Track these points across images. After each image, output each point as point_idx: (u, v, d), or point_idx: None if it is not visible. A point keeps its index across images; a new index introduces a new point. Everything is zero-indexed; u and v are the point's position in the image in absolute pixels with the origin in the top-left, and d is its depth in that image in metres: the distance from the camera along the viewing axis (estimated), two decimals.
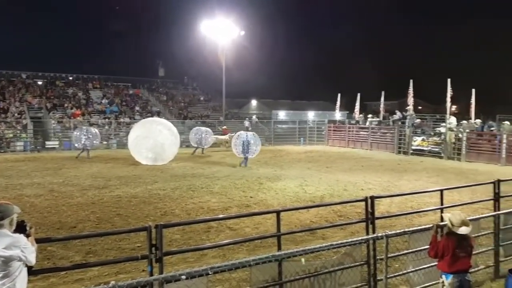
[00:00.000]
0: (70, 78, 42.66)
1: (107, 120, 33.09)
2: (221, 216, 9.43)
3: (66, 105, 35.03)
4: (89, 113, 34.24)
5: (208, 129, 25.92)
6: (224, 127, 32.01)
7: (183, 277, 3.51)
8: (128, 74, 46.15)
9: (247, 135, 19.16)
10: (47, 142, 28.10)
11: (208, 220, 7.89)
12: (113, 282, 3.18)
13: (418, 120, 27.00)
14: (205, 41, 35.75)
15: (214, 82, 41.82)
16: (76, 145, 23.16)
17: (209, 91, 47.73)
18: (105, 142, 29.40)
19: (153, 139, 18.69)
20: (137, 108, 38.08)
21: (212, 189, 13.07)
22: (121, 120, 33.57)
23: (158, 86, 46.59)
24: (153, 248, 3.95)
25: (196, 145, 24.66)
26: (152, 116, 35.88)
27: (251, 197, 11.99)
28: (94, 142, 23.07)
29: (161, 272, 3.92)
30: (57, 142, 28.22)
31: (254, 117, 39.54)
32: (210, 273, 3.62)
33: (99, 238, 7.69)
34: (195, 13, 35.89)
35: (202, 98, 46.15)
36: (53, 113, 33.15)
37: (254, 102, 58.78)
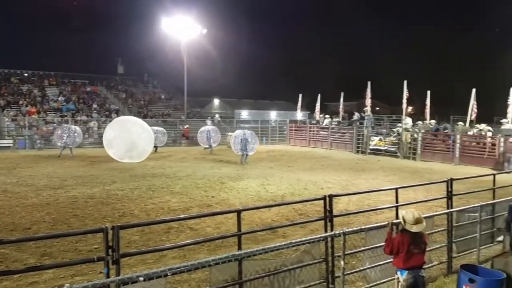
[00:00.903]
0: (26, 74, 40.92)
1: (63, 118, 31.94)
2: (181, 216, 9.31)
3: (20, 102, 33.61)
4: (44, 111, 32.97)
5: (215, 127, 26.79)
6: (186, 126, 31.71)
7: (141, 278, 3.44)
8: (86, 71, 44.76)
9: (245, 134, 20.14)
10: (0, 141, 26.85)
11: (168, 220, 7.76)
12: (67, 285, 3.08)
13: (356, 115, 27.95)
14: (166, 39, 35.33)
15: (176, 81, 41.40)
16: (58, 143, 22.83)
17: (171, 89, 47.08)
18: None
19: (128, 137, 18.91)
20: (94, 106, 37.03)
21: (172, 189, 12.91)
22: (78, 118, 32.49)
23: (117, 83, 45.48)
24: (110, 250, 3.86)
25: (206, 145, 25.25)
26: (110, 114, 35.05)
27: (212, 196, 11.93)
28: (76, 140, 22.81)
29: (118, 274, 3.82)
30: (11, 141, 27.00)
31: (216, 116, 39.40)
32: (168, 274, 3.57)
33: (55, 239, 7.47)
34: (156, 10, 35.31)
35: (163, 97, 45.46)
36: (7, 110, 31.74)
37: (216, 101, 58.54)
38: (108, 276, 3.76)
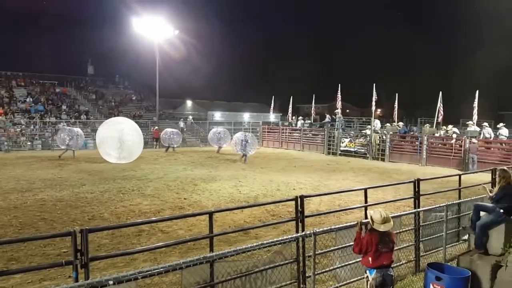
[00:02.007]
0: None
1: (32, 120, 31.02)
2: (153, 218, 9.19)
3: None
4: (12, 112, 31.90)
5: (224, 129, 27.79)
6: (155, 128, 31.34)
7: (110, 282, 3.39)
8: (55, 71, 43.56)
9: (245, 136, 21.88)
10: None
11: (138, 223, 7.67)
12: None
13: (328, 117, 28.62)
14: (138, 39, 34.88)
15: (148, 81, 40.78)
16: (61, 146, 22.86)
17: (142, 90, 46.39)
18: (29, 143, 27.67)
19: (119, 138, 19.31)
20: (64, 107, 36.10)
21: (144, 192, 12.74)
22: (47, 119, 31.63)
23: (87, 84, 44.45)
24: (79, 254, 3.80)
25: (217, 145, 26.33)
26: (79, 115, 34.28)
27: (185, 198, 11.85)
28: (78, 142, 22.83)
29: (87, 278, 3.76)
30: None
31: (189, 117, 39.13)
32: (139, 277, 3.53)
33: (22, 244, 7.28)
34: (127, 11, 34.73)
35: (134, 98, 44.75)
36: None
37: (189, 103, 58.11)
38: (77, 280, 3.71)
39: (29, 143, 27.80)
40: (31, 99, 35.30)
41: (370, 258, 4.75)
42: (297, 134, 29.91)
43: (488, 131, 20.14)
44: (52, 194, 12.12)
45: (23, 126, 29.68)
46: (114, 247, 7.45)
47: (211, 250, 4.72)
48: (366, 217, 5.30)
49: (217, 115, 55.41)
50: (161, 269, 3.72)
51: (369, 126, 25.26)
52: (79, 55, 52.41)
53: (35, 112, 32.99)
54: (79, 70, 48.04)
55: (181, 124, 34.54)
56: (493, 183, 6.81)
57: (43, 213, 9.94)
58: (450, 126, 22.59)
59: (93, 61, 49.45)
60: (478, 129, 20.63)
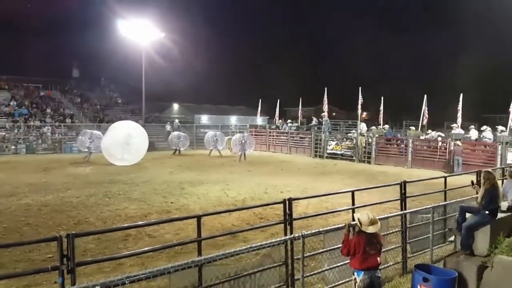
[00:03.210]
0: None
1: (16, 123, 30.52)
2: (139, 223, 9.11)
3: None
4: None
5: (221, 133, 28.52)
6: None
7: (97, 287, 3.36)
8: (40, 74, 42.89)
9: (243, 137, 24.74)
10: None
11: (125, 228, 7.59)
12: None
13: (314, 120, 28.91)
14: (124, 42, 34.57)
15: (134, 85, 40.37)
16: (81, 149, 23.49)
17: (128, 93, 45.99)
18: (13, 147, 27.21)
19: (123, 141, 20.15)
20: (48, 110, 35.61)
21: (130, 196, 12.62)
22: (31, 123, 31.14)
23: (72, 87, 43.94)
24: (65, 259, 3.74)
25: (210, 148, 26.84)
26: (64, 119, 33.86)
27: (172, 202, 11.77)
28: (98, 144, 22.56)
29: (73, 284, 3.71)
30: None
31: (176, 121, 38.89)
32: (126, 282, 3.50)
33: (6, 249, 7.13)
34: (113, 13, 34.36)
35: (120, 101, 44.38)
36: None
37: (176, 106, 57.83)
38: (63, 286, 3.67)
39: (13, 147, 27.32)
40: (15, 103, 34.75)
41: (358, 260, 4.78)
42: (284, 137, 29.97)
43: (488, 135, 20.24)
44: (37, 199, 11.94)
45: (7, 130, 29.19)
46: (101, 252, 7.37)
47: (199, 254, 4.69)
48: (353, 219, 5.32)
49: (204, 119, 55.26)
50: (149, 274, 3.69)
51: (354, 130, 25.49)
52: (64, 58, 51.62)
53: (19, 116, 32.49)
54: (64, 73, 47.42)
55: (168, 127, 34.27)
56: (479, 184, 6.91)
57: (28, 218, 9.79)
58: (429, 131, 23.08)
59: (78, 64, 49.00)
60: (462, 131, 20.96)
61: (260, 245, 4.69)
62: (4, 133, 28.46)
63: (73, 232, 3.84)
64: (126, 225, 8.23)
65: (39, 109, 35.55)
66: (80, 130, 32.11)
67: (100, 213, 10.41)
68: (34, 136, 29.05)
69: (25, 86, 39.87)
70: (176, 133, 28.50)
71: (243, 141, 24.21)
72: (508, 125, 19.81)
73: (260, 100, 34.81)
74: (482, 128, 21.16)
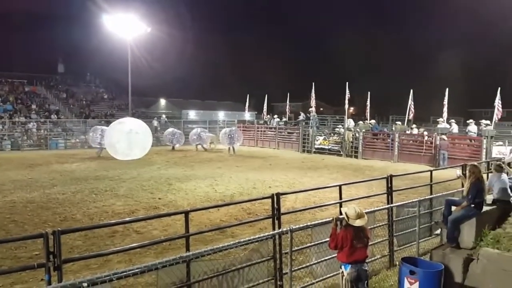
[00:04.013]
0: None
1: (0, 119, 30.00)
2: (126, 219, 9.04)
3: None
4: None
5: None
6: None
7: (84, 284, 3.32)
8: (24, 70, 42.17)
9: (231, 131, 25.71)
10: None
11: (112, 224, 7.53)
12: None
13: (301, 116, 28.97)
14: (109, 37, 34.10)
15: (120, 80, 39.96)
16: (93, 145, 23.59)
17: (114, 89, 45.53)
18: None
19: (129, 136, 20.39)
20: (33, 106, 35.05)
21: (117, 192, 12.52)
22: (16, 119, 30.65)
23: (57, 83, 43.32)
24: (51, 256, 3.70)
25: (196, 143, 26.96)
26: (49, 115, 33.39)
27: (159, 198, 11.71)
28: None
29: (60, 281, 3.67)
30: None
31: (163, 116, 38.61)
32: (113, 279, 3.48)
33: None
34: (98, 8, 33.87)
35: (106, 96, 43.90)
36: None
37: (163, 102, 57.40)
38: (49, 283, 3.61)
39: None
40: None
41: (345, 254, 4.81)
42: (272, 133, 30.02)
43: (473, 129, 20.55)
44: (22, 196, 11.78)
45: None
46: (88, 248, 7.30)
47: (187, 249, 4.67)
48: (341, 214, 5.36)
49: (192, 114, 54.97)
50: (137, 270, 3.67)
51: (340, 125, 25.62)
52: (49, 53, 50.75)
53: (4, 112, 31.95)
54: (49, 69, 46.67)
55: (155, 123, 33.99)
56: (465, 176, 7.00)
57: (13, 215, 9.68)
58: (414, 126, 23.41)
59: (63, 59, 48.29)
60: (448, 126, 21.21)
61: (249, 240, 4.70)
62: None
63: (59, 228, 3.78)
64: (113, 221, 8.17)
65: (24, 105, 35.00)
66: (65, 126, 31.85)
67: (86, 209, 10.31)
68: (19, 132, 28.60)
69: (10, 81, 39.14)
70: (171, 129, 28.48)
71: (231, 135, 25.05)
72: (493, 119, 20.11)
73: (248, 95, 34.81)
74: (467, 122, 21.47)
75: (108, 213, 10.02)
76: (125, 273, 3.56)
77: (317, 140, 26.01)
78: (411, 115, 24.43)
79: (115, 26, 31.99)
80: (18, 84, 39.39)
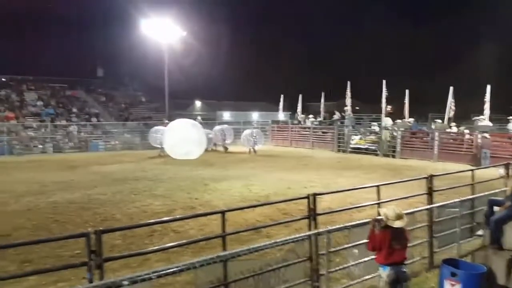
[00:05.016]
0: (3, 79, 39.84)
1: (42, 123, 31.36)
2: (164, 218, 9.21)
3: None
4: (23, 116, 32.28)
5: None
6: (167, 122, 30.97)
7: (125, 282, 3.41)
8: (65, 74, 43.87)
9: (252, 132, 26.07)
10: None
11: (150, 223, 7.69)
12: None
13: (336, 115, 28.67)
14: (146, 41, 34.99)
15: (157, 83, 40.84)
16: (153, 145, 24.69)
17: (151, 92, 46.53)
18: (40, 146, 27.94)
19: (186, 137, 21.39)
20: (74, 109, 36.41)
21: (155, 192, 12.80)
22: (58, 122, 31.93)
23: (96, 86, 44.75)
24: (93, 255, 3.82)
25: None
26: (89, 118, 34.54)
27: (196, 198, 11.88)
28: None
29: (101, 279, 3.78)
30: None
31: (198, 118, 39.16)
32: (153, 277, 3.55)
33: (36, 246, 7.24)
34: (136, 12, 34.83)
35: (143, 99, 44.94)
36: None
37: (198, 103, 58.28)
38: (91, 281, 3.72)
39: (41, 146, 28.06)
40: (41, 103, 35.67)
41: (383, 255, 4.73)
42: (307, 132, 29.82)
43: None
44: (64, 196, 12.22)
45: (35, 130, 29.99)
46: (127, 247, 7.49)
47: (224, 249, 4.71)
48: (378, 215, 5.26)
49: (226, 115, 55.47)
50: (175, 269, 3.73)
51: (374, 123, 25.09)
52: (88, 58, 52.63)
53: (46, 116, 33.32)
54: (88, 73, 48.37)
55: None
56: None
57: (56, 215, 10.02)
58: (453, 125, 22.59)
59: (102, 64, 49.81)
60: (490, 124, 20.39)
61: (285, 240, 4.69)
62: (32, 133, 29.26)
63: (100, 228, 3.90)
64: (152, 221, 8.31)
65: (65, 108, 36.36)
66: (105, 128, 32.85)
67: (126, 209, 10.59)
68: (61, 135, 29.79)
69: (51, 86, 40.81)
70: (218, 127, 28.45)
71: (253, 136, 25.60)
72: None
73: (281, 95, 34.69)
74: (508, 118, 20.60)
75: (147, 212, 10.26)
76: (164, 272, 3.63)
77: (352, 140, 25.62)
78: (451, 113, 23.64)
79: (151, 30, 32.80)
80: (59, 88, 40.98)
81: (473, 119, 21.33)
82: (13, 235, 8.43)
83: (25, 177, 16.12)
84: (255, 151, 25.01)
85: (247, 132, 26.60)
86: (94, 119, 34.61)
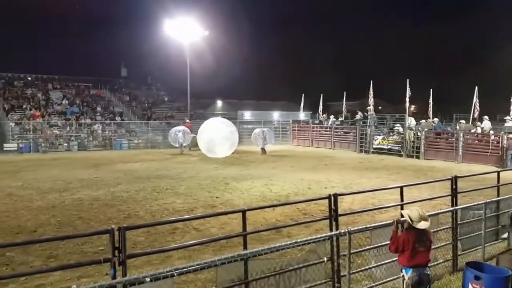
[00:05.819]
0: (29, 78, 41.04)
1: (68, 121, 32.13)
2: (186, 216, 9.33)
3: (24, 106, 33.74)
4: (49, 115, 33.12)
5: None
6: (187, 120, 31.17)
7: (147, 279, 3.46)
8: (90, 74, 44.86)
9: (263, 132, 25.80)
10: (5, 145, 26.96)
11: (173, 221, 7.80)
12: (74, 286, 3.11)
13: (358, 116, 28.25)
14: (169, 41, 35.41)
15: (179, 82, 41.33)
16: (174, 144, 25.98)
17: (174, 91, 47.09)
18: (65, 144, 28.61)
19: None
20: (98, 108, 37.14)
21: (177, 190, 12.94)
22: (82, 121, 32.64)
23: (120, 86, 45.56)
24: (116, 251, 3.88)
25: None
26: (114, 117, 35.14)
27: (217, 197, 11.95)
28: (186, 137, 25.96)
29: (124, 275, 3.84)
30: (15, 145, 27.10)
31: (219, 117, 39.40)
32: (175, 274, 3.59)
33: (60, 242, 7.49)
34: (158, 13, 35.36)
35: (166, 99, 45.50)
36: (11, 114, 31.85)
37: (219, 103, 58.50)
38: (114, 277, 3.77)
39: (66, 144, 28.71)
40: (66, 102, 36.50)
41: (406, 257, 4.67)
42: (328, 132, 29.61)
43: None
44: (88, 194, 12.48)
45: (60, 128, 30.73)
46: (150, 244, 7.60)
47: (245, 247, 4.73)
48: (402, 216, 5.19)
49: (247, 115, 55.50)
50: (197, 266, 3.76)
51: (397, 124, 24.68)
52: (112, 57, 53.76)
53: (71, 114, 34.09)
54: (112, 73, 49.34)
55: None
56: None
57: (80, 212, 10.22)
58: (478, 123, 22.01)
59: (126, 63, 50.65)
60: None
61: (306, 240, 4.67)
62: (57, 131, 29.99)
63: (124, 225, 3.96)
64: (174, 218, 8.45)
65: (89, 107, 37.14)
66: (129, 127, 33.41)
67: (149, 207, 10.74)
68: (86, 134, 30.41)
69: (76, 85, 41.75)
70: (258, 130, 26.98)
71: (264, 136, 25.58)
72: None
73: (303, 95, 34.60)
74: None
75: (169, 210, 10.38)
76: (186, 269, 3.67)
77: (375, 140, 25.31)
78: (476, 113, 23.11)
79: (174, 30, 33.13)
80: (84, 87, 41.93)
81: (505, 118, 20.69)
82: (38, 231, 8.65)
83: (50, 174, 16.52)
84: (265, 151, 24.82)
85: (257, 131, 26.50)
86: (118, 118, 35.22)
